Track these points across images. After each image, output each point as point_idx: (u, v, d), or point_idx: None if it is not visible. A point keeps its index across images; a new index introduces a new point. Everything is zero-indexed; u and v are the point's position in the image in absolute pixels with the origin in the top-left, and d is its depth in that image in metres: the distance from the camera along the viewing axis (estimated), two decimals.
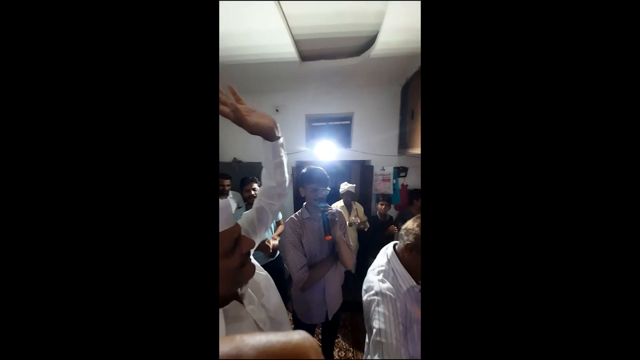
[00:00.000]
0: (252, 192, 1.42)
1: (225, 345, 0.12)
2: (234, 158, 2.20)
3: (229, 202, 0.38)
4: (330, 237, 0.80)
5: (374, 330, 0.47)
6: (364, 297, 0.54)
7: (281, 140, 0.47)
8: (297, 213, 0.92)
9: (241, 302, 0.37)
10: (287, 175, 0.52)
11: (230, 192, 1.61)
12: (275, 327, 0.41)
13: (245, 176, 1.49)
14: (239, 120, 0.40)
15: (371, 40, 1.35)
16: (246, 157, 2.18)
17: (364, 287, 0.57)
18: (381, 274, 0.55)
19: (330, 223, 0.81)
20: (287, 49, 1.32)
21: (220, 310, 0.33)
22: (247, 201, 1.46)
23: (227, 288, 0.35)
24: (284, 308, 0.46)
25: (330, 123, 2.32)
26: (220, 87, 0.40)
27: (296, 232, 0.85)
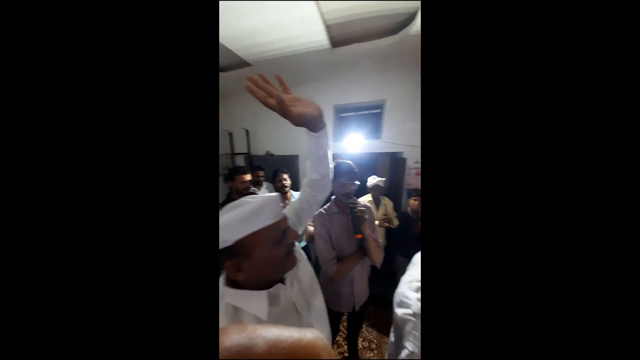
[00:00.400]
0: (283, 183, 1.51)
1: (237, 334, 0.12)
2: (267, 151, 2.34)
3: (279, 197, 0.40)
4: (360, 235, 0.79)
5: (406, 351, 0.45)
6: (397, 311, 0.51)
7: (326, 129, 0.44)
8: (325, 206, 0.93)
9: (284, 283, 0.41)
10: (331, 166, 0.50)
11: (264, 183, 1.74)
12: (313, 312, 0.44)
13: (277, 168, 1.58)
14: (284, 112, 0.38)
15: (410, 17, 1.20)
16: (278, 150, 2.30)
17: (397, 299, 0.53)
18: (420, 292, 0.49)
19: (359, 220, 0.79)
20: (318, 37, 1.28)
21: (265, 292, 0.36)
22: (279, 192, 1.56)
23: (274, 274, 0.39)
24: (322, 295, 0.48)
25: (359, 113, 2.22)
26: (266, 79, 0.40)
27: (325, 226, 0.87)
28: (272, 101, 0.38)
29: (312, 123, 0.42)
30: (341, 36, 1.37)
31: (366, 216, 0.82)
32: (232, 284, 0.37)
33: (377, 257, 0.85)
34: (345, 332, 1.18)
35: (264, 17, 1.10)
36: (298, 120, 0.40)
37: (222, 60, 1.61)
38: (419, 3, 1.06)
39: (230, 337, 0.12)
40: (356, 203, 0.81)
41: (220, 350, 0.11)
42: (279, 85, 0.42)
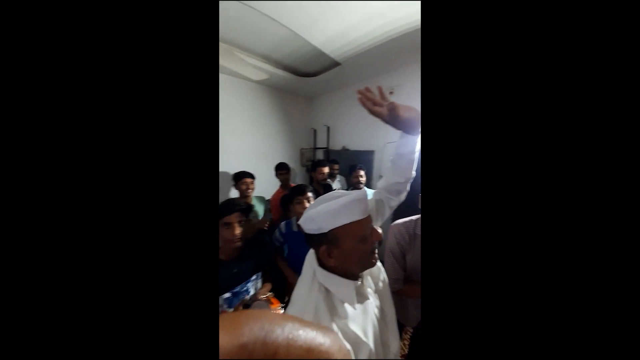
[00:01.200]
0: (359, 179, 1.54)
1: (258, 319, 0.12)
2: (343, 146, 2.45)
3: (366, 194, 0.44)
4: None
5: None
6: None
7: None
8: (409, 221, 0.73)
9: (362, 282, 0.46)
10: (414, 172, 0.49)
11: (337, 176, 1.87)
12: (387, 319, 0.47)
13: (353, 163, 1.63)
14: (392, 119, 0.41)
15: None
16: (353, 145, 2.36)
17: None
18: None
19: None
20: (414, 17, 1.13)
21: (352, 282, 0.43)
22: (353, 187, 1.61)
23: (358, 267, 0.44)
24: (393, 304, 0.51)
25: None
26: (370, 90, 0.44)
27: (400, 245, 0.71)
28: (379, 109, 0.42)
29: (412, 127, 0.43)
30: None
31: None
32: (323, 266, 0.44)
33: None
34: (406, 349, 1.06)
35: (361, 10, 1.10)
36: (402, 125, 0.42)
37: (315, 65, 1.80)
38: None
39: (252, 319, 0.12)
40: None
41: (242, 331, 0.11)
42: (378, 94, 0.46)
